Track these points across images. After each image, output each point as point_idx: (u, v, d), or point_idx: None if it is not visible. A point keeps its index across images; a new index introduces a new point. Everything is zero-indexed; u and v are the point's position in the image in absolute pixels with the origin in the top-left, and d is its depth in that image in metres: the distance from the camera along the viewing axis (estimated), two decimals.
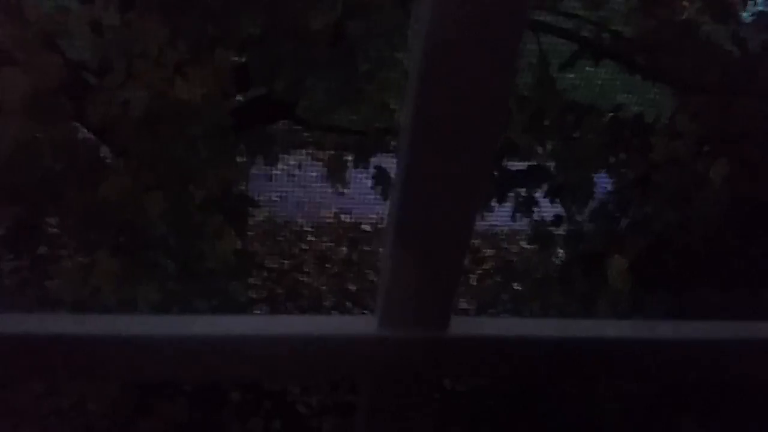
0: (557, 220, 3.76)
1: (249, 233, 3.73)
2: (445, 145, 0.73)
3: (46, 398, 3.11)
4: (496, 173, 3.68)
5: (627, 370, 0.93)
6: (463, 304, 5.02)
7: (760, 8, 3.49)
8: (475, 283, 5.39)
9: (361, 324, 0.85)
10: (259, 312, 4.30)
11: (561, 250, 4.10)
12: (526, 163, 3.60)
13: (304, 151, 4.50)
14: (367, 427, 0.90)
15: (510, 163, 3.60)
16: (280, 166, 4.04)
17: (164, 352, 0.79)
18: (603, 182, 3.69)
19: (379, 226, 4.88)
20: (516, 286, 5.22)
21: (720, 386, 2.91)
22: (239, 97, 2.93)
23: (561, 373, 0.91)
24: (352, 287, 4.65)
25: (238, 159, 2.82)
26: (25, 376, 0.82)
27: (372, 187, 3.50)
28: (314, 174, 4.53)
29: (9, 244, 2.44)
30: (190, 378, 0.69)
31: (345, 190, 3.86)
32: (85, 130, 2.54)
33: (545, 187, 3.57)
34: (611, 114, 3.53)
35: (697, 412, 3.35)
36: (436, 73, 0.69)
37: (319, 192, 4.77)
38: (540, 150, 3.52)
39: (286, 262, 4.87)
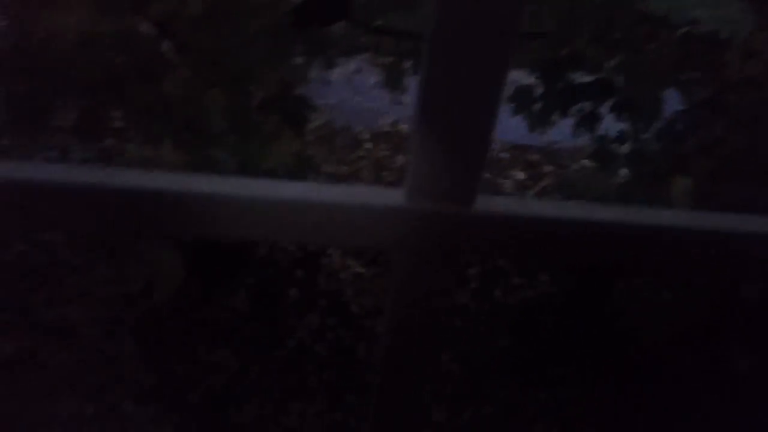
0: (621, 137, 3.67)
1: (307, 137, 3.77)
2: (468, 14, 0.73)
3: (114, 284, 3.32)
4: (559, 86, 3.58)
5: (654, 258, 0.92)
6: None
7: None
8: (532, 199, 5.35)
9: (388, 196, 0.87)
10: None
11: (623, 169, 4.01)
12: (592, 76, 3.48)
13: (362, 57, 4.45)
14: (394, 300, 0.94)
15: (574, 75, 3.50)
16: (338, 71, 4.01)
17: (219, 209, 0.85)
18: (672, 100, 3.55)
19: None
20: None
21: None
22: None
23: (582, 257, 0.92)
24: None
25: (297, 60, 2.82)
26: (101, 229, 0.87)
27: None
28: (372, 81, 4.50)
29: (77, 134, 2.55)
30: (230, 234, 0.76)
31: (403, 98, 3.82)
32: (147, 25, 2.58)
33: (610, 102, 3.46)
34: (685, 29, 3.35)
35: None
36: None
37: (378, 99, 4.74)
38: (607, 63, 3.38)
39: (343, 167, 4.92)
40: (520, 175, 5.68)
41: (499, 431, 3.11)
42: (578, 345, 3.55)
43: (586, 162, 5.41)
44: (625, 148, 3.74)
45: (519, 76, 4.17)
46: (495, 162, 5.84)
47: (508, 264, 4.10)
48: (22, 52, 2.26)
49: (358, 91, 4.93)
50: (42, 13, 2.18)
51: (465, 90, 0.78)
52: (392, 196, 0.86)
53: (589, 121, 3.65)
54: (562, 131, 3.86)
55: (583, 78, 3.55)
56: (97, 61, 2.23)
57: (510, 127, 3.99)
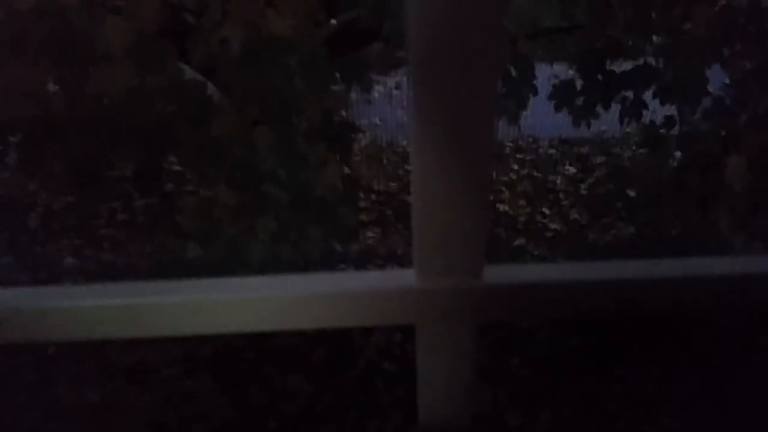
0: (669, 121, 3.60)
1: (354, 158, 3.82)
2: (447, 86, 0.76)
3: None
4: (599, 77, 3.54)
5: (665, 307, 0.94)
6: (574, 215, 4.96)
7: None
8: (585, 192, 5.28)
9: (401, 278, 0.91)
10: (371, 236, 4.46)
11: (676, 152, 3.94)
12: (632, 63, 3.43)
13: (401, 71, 4.50)
14: (421, 367, 0.98)
15: (614, 64, 3.46)
16: (379, 88, 4.07)
17: (253, 308, 0.94)
18: (716, 77, 3.47)
19: None
20: (630, 192, 5.08)
21: None
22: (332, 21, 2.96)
23: (593, 315, 0.94)
24: None
25: (335, 87, 2.88)
26: None
27: None
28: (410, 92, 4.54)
29: (136, 183, 2.66)
30: (263, 328, 0.87)
31: None
32: (191, 71, 2.68)
33: (654, 87, 3.40)
34: (723, 2, 3.28)
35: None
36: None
37: None
38: (646, 48, 3.34)
39: (392, 184, 4.96)
40: (571, 170, 5.62)
41: (577, 430, 3.08)
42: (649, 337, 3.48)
43: (637, 149, 5.32)
44: (675, 131, 3.67)
45: (557, 71, 4.14)
46: (544, 159, 5.80)
47: None
48: (75, 112, 2.38)
49: (400, 105, 4.96)
50: (90, 73, 2.30)
51: (456, 169, 0.80)
52: (404, 277, 0.91)
53: (635, 108, 3.60)
54: (610, 118, 3.81)
55: (623, 66, 3.51)
56: (147, 112, 2.32)
57: (555, 121, 3.96)
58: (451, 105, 0.76)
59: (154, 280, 0.96)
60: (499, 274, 0.90)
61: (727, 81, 3.51)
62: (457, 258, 0.86)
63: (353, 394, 3.25)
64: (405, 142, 5.18)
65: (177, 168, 3.14)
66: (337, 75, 2.85)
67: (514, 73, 3.57)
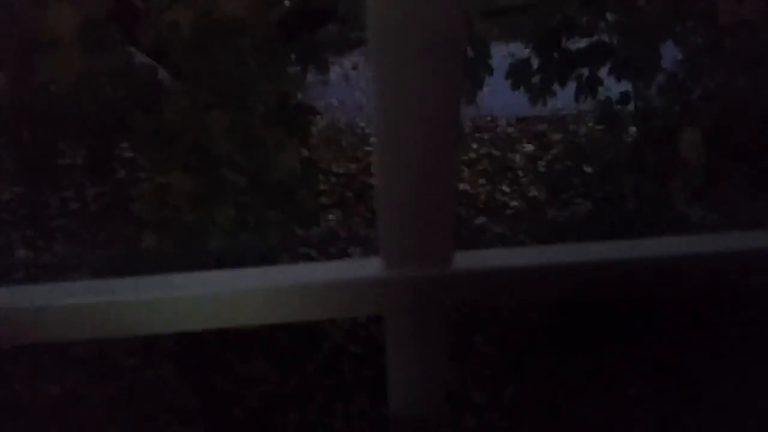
0: (624, 97, 3.64)
1: (313, 140, 3.78)
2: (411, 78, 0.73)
3: None
4: (555, 55, 3.56)
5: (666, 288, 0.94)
6: (532, 192, 5.01)
7: None
8: (543, 169, 5.34)
9: (367, 267, 0.88)
10: (332, 217, 4.44)
11: (632, 128, 4.00)
12: (587, 41, 3.46)
13: (357, 52, 4.44)
14: (391, 357, 0.95)
15: (569, 42, 3.48)
16: (336, 69, 4.02)
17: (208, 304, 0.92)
18: (670, 53, 3.51)
19: None
20: (587, 168, 5.15)
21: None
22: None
23: (561, 297, 0.93)
24: None
25: (291, 69, 2.83)
26: None
27: None
28: (370, 74, 4.51)
29: (87, 172, 2.58)
30: (239, 322, 0.84)
31: None
32: (142, 55, 2.60)
33: (609, 64, 3.44)
34: None
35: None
36: None
37: None
38: (600, 25, 3.36)
39: (352, 165, 4.92)
40: (529, 147, 5.67)
41: (541, 406, 3.12)
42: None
43: (593, 126, 5.39)
44: (630, 107, 3.72)
45: (514, 49, 4.15)
46: (502, 137, 5.83)
47: None
48: (22, 101, 2.30)
49: (357, 86, 4.92)
50: (36, 60, 2.21)
51: (422, 152, 0.77)
52: (371, 267, 0.87)
53: (590, 85, 3.63)
54: (567, 96, 3.84)
55: (578, 44, 3.54)
56: (96, 99, 2.25)
57: (514, 100, 3.98)
58: (414, 84, 0.73)
59: (110, 278, 0.91)
60: (468, 260, 0.87)
61: (680, 57, 3.57)
62: (425, 245, 0.83)
63: (319, 378, 3.25)
64: (363, 124, 5.14)
65: (130, 155, 3.07)
66: (293, 57, 2.81)
67: (470, 53, 3.57)
